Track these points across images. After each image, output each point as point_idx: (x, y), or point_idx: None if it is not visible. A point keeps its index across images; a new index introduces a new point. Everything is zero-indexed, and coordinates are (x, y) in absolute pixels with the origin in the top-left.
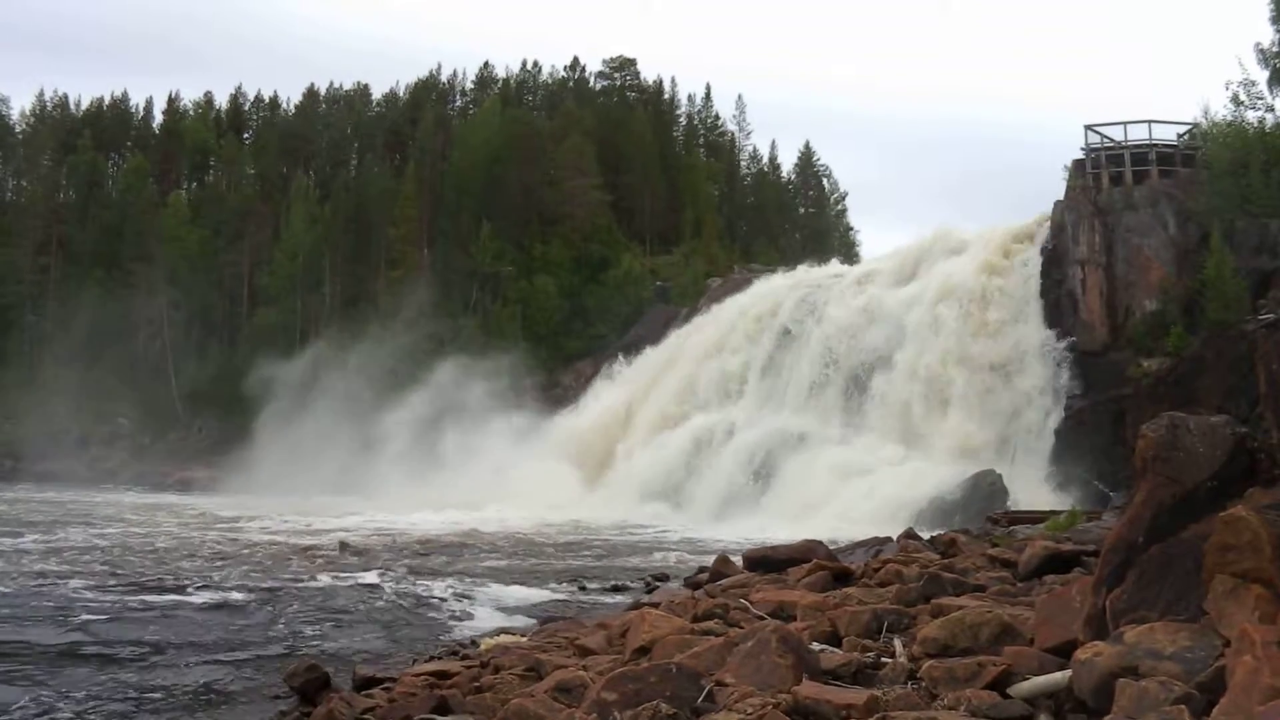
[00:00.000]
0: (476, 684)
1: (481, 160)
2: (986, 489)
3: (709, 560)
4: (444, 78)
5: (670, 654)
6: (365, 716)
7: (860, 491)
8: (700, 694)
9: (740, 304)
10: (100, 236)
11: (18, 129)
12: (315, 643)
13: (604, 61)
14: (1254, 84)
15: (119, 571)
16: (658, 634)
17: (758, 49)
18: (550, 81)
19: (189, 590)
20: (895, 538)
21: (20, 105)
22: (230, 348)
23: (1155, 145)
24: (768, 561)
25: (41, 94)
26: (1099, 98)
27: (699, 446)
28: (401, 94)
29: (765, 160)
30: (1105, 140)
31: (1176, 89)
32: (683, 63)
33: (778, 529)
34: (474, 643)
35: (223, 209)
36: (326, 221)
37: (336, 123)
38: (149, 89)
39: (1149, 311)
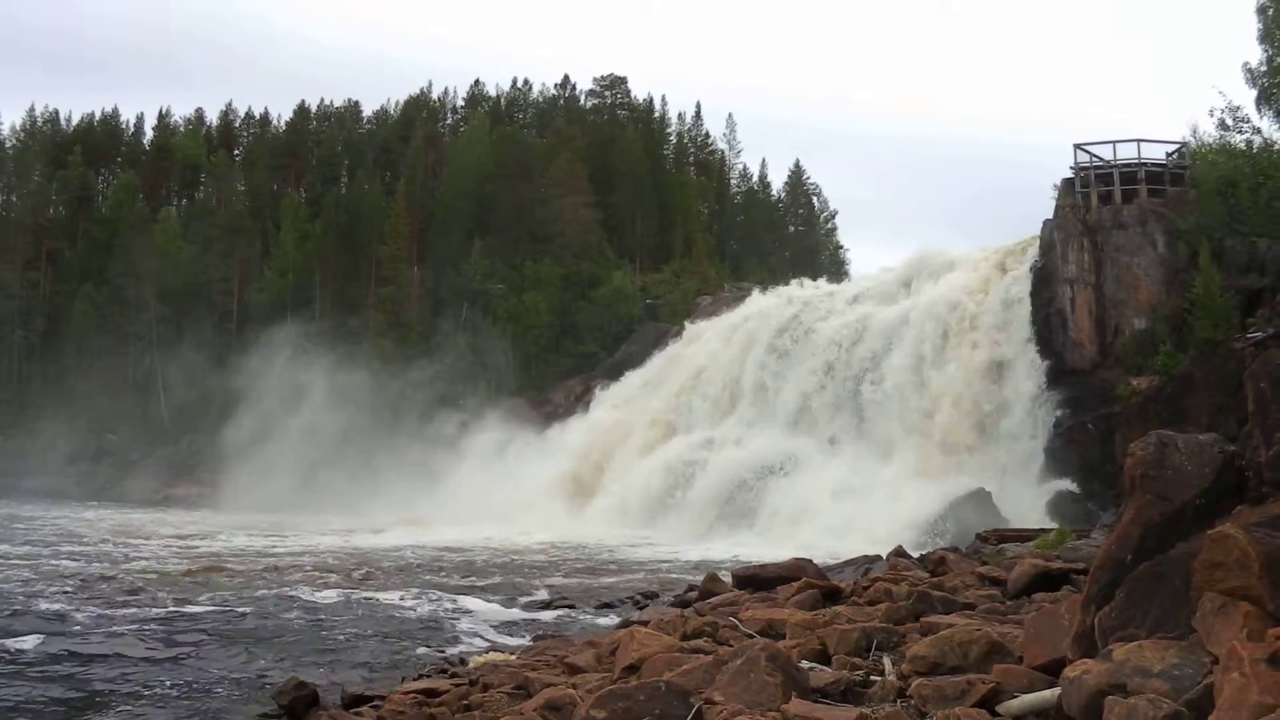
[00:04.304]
0: (465, 702)
1: (472, 178)
2: (976, 507)
3: (698, 578)
4: (435, 95)
5: (659, 672)
6: None
7: (849, 509)
8: (689, 712)
9: (730, 322)
10: (90, 252)
11: (8, 144)
12: (303, 660)
13: (594, 79)
14: (1239, 108)
15: (104, 589)
16: (647, 652)
17: (749, 67)
18: (541, 99)
19: (177, 607)
20: (884, 556)
21: (10, 120)
22: (219, 364)
23: (1144, 164)
24: (757, 579)
25: (32, 109)
26: (1098, 117)
27: (688, 464)
28: (392, 111)
29: (755, 178)
30: (1094, 159)
31: (1176, 103)
32: (673, 81)
33: (767, 547)
34: (463, 660)
35: (213, 225)
36: (317, 238)
37: (327, 140)
38: (140, 105)
39: (1138, 330)
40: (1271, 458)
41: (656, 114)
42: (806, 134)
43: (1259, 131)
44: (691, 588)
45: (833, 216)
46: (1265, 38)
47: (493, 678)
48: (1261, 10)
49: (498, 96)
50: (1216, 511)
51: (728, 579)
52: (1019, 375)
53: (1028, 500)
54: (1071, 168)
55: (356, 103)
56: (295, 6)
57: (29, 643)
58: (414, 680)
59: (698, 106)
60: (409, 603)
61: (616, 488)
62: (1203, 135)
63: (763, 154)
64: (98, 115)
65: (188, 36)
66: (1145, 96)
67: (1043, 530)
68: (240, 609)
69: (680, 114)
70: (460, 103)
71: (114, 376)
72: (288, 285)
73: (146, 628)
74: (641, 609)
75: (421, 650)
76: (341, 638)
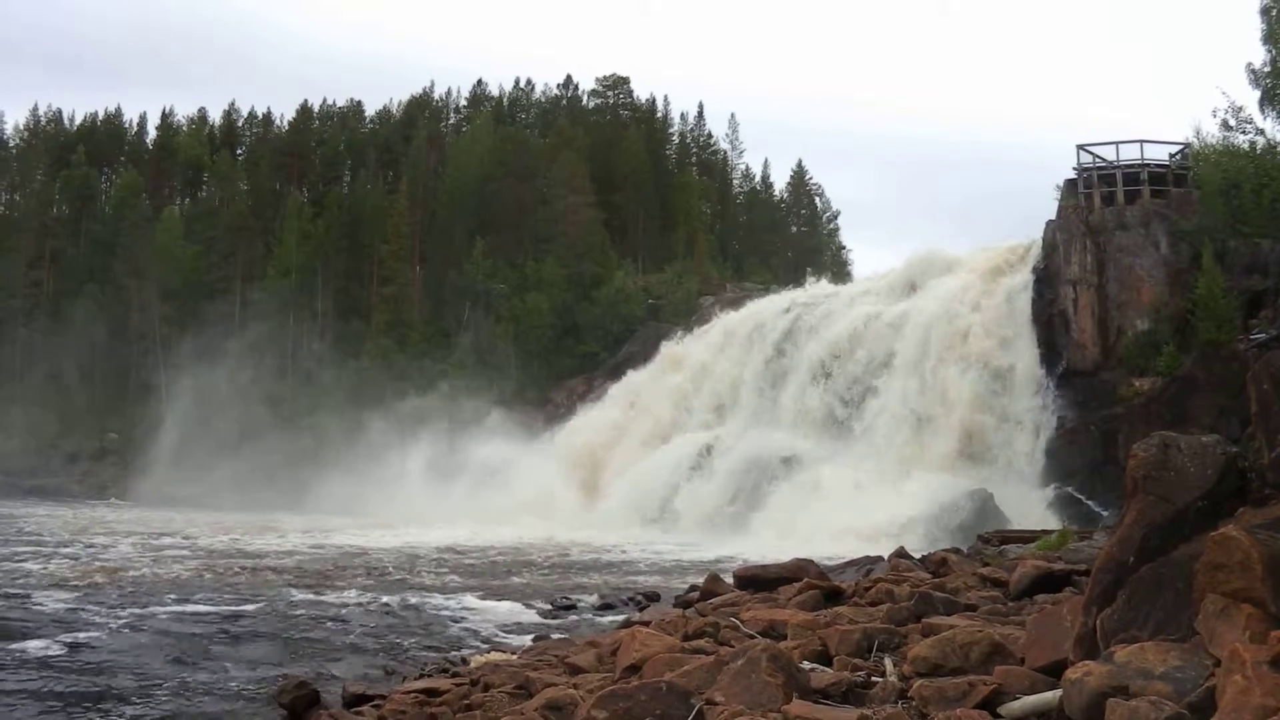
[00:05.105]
0: (466, 702)
1: (474, 177)
2: (978, 508)
3: (700, 578)
4: (437, 95)
5: (660, 672)
6: None
7: (851, 510)
8: (690, 713)
9: (732, 322)
10: (93, 251)
11: (11, 143)
12: (304, 659)
13: (597, 80)
14: (1242, 109)
15: (105, 588)
16: (648, 652)
17: (750, 68)
18: (543, 99)
19: (177, 606)
20: (886, 556)
21: (14, 120)
22: (221, 363)
23: (1147, 165)
24: (758, 580)
25: (35, 109)
26: (1099, 118)
27: (691, 464)
28: (395, 111)
29: (757, 179)
30: (1097, 160)
31: (1177, 104)
32: (676, 81)
33: (769, 547)
34: (464, 660)
35: (215, 225)
36: (319, 238)
37: (330, 139)
38: (143, 104)
39: (1140, 331)
40: (1274, 459)
41: (659, 114)
42: (807, 135)
43: (1262, 132)
44: (693, 588)
45: (835, 217)
46: (1269, 38)
47: (494, 678)
48: (1265, 11)
49: (500, 96)
50: (1219, 513)
51: (729, 579)
52: (1021, 376)
53: (1030, 501)
54: (1074, 168)
55: (359, 102)
56: (298, 7)
57: (27, 644)
58: (415, 680)
59: (700, 107)
60: (410, 602)
61: (618, 488)
62: (1206, 136)
63: (764, 154)
64: (101, 115)
65: (190, 37)
66: (1146, 97)
67: (1045, 531)
68: (239, 609)
69: (683, 114)
70: (463, 102)
71: (116, 376)
72: (290, 285)
73: (145, 628)
74: (643, 609)
75: (422, 650)
76: (342, 637)
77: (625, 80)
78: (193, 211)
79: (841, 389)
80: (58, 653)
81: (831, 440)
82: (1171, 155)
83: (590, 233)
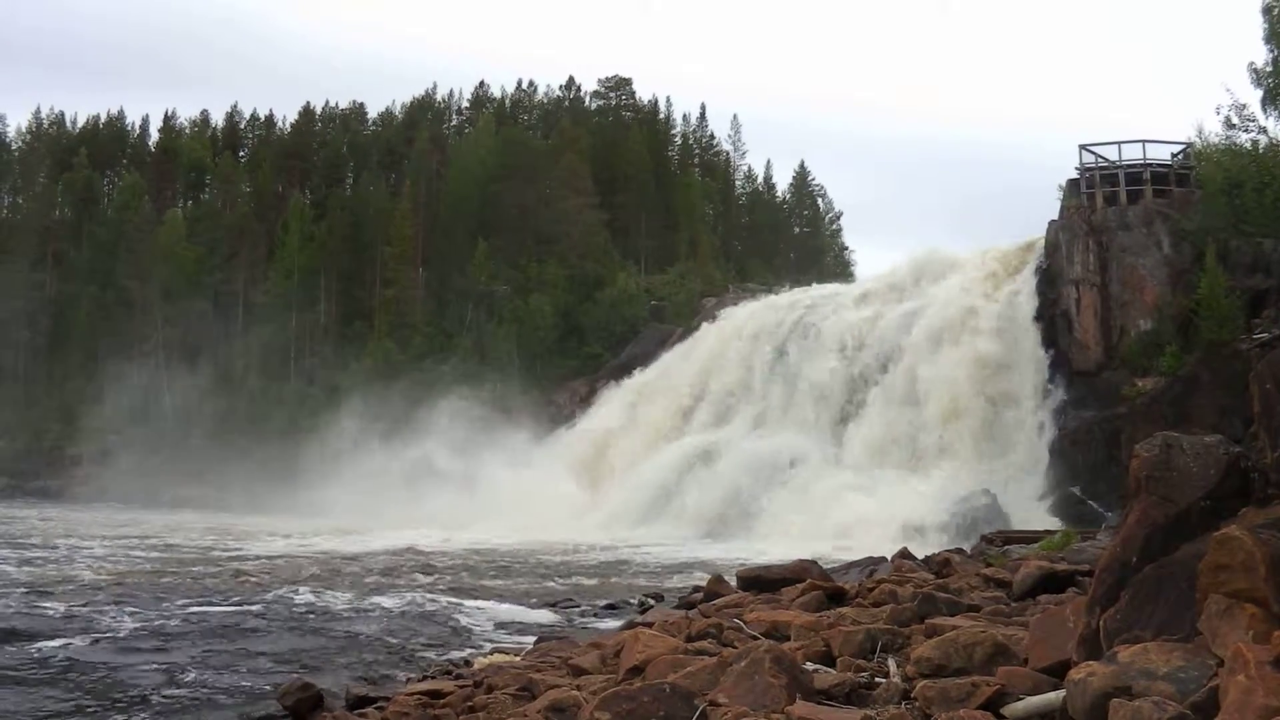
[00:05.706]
0: (470, 704)
1: (477, 179)
2: (981, 508)
3: (703, 580)
4: (440, 97)
5: (664, 674)
6: None
7: (854, 511)
8: (693, 714)
9: (735, 324)
10: (95, 254)
11: (14, 146)
12: (307, 661)
13: (599, 81)
14: (1245, 107)
15: (105, 590)
16: (651, 654)
17: (753, 69)
18: (545, 101)
19: (177, 608)
20: (889, 557)
21: (16, 122)
22: (225, 365)
23: (1149, 165)
24: (761, 581)
25: (38, 111)
26: (1099, 117)
27: (693, 466)
28: (397, 113)
29: (760, 180)
30: (1100, 159)
31: (1177, 103)
32: (678, 82)
33: (772, 549)
34: (467, 662)
35: (218, 227)
36: (321, 240)
37: (332, 141)
38: (145, 107)
39: (1143, 331)
40: (1277, 459)
41: (661, 115)
42: (807, 135)
43: (1265, 131)
44: (696, 589)
45: (838, 218)
46: (1271, 38)
47: (497, 679)
48: (1267, 10)
49: (502, 98)
50: (1222, 513)
51: (732, 580)
52: (1024, 377)
53: (1033, 502)
54: (1077, 168)
55: (361, 104)
56: (300, 8)
57: (27, 648)
58: (418, 681)
59: (702, 108)
60: (412, 604)
61: (620, 489)
62: (1208, 135)
63: (766, 155)
64: (103, 117)
65: (193, 38)
66: (1147, 96)
67: (1048, 532)
68: (243, 610)
69: (685, 115)
70: (465, 104)
71: (119, 378)
72: (292, 287)
73: (146, 630)
74: (646, 610)
75: (426, 652)
76: (345, 639)
77: (627, 81)
78: (195, 214)
79: (844, 390)
80: (57, 655)
81: (834, 441)
82: (1174, 155)
83: (592, 234)
